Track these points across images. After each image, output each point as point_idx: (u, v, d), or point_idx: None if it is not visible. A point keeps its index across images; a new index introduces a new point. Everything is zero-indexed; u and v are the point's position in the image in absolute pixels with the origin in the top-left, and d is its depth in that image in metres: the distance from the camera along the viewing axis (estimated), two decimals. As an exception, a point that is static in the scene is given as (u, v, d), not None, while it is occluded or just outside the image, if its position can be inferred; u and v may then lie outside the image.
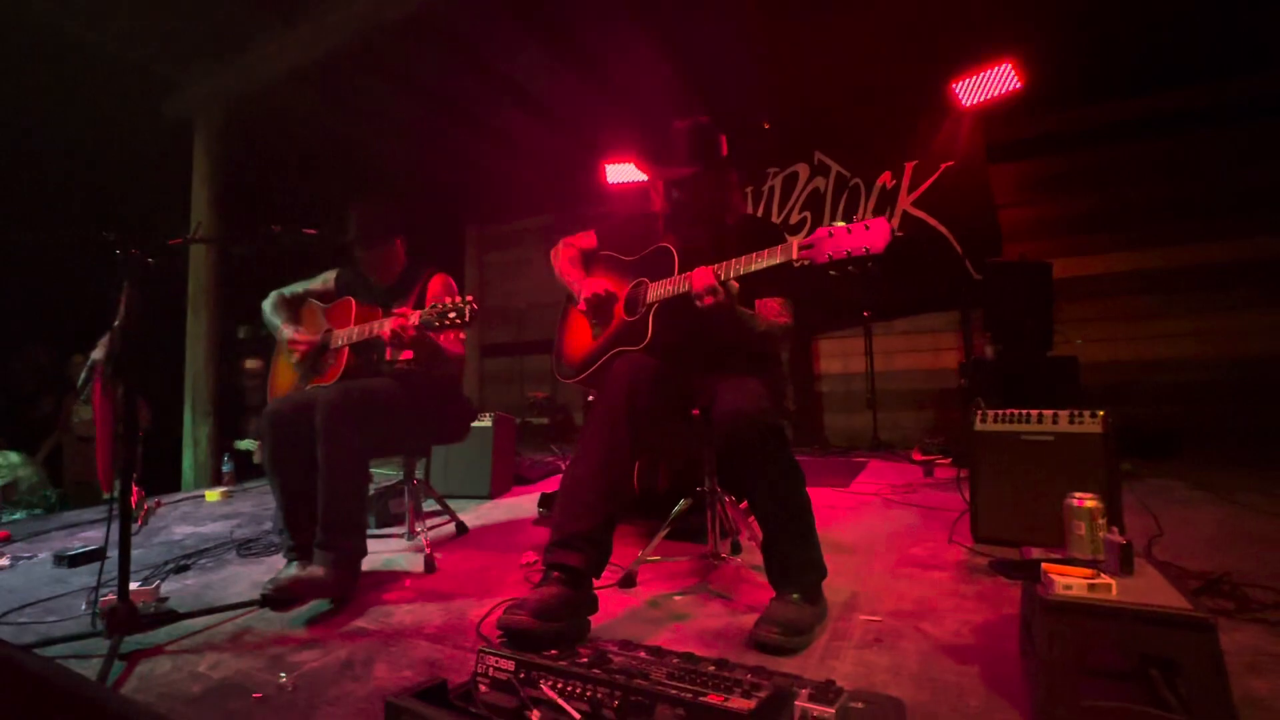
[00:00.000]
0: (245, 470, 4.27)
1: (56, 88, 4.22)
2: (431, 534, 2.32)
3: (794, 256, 1.52)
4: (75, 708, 0.47)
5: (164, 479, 4.17)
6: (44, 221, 4.87)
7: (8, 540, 2.75)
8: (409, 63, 4.36)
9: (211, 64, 4.32)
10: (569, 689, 1.06)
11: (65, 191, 4.77)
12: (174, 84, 4.51)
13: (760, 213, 5.13)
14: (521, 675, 1.11)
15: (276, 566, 2.20)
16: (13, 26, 3.73)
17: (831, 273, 1.49)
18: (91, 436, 4.59)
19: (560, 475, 3.69)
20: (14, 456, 3.63)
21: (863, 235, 1.42)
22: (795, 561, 1.57)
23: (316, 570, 1.73)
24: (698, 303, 1.58)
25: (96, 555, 2.41)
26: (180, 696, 1.33)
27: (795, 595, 1.51)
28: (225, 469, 4.11)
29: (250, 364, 5.09)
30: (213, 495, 3.66)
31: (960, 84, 4.20)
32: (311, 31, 3.97)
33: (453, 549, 2.40)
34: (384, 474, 3.55)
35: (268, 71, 4.24)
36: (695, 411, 1.76)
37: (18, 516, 3.42)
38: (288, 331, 2.17)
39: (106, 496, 1.58)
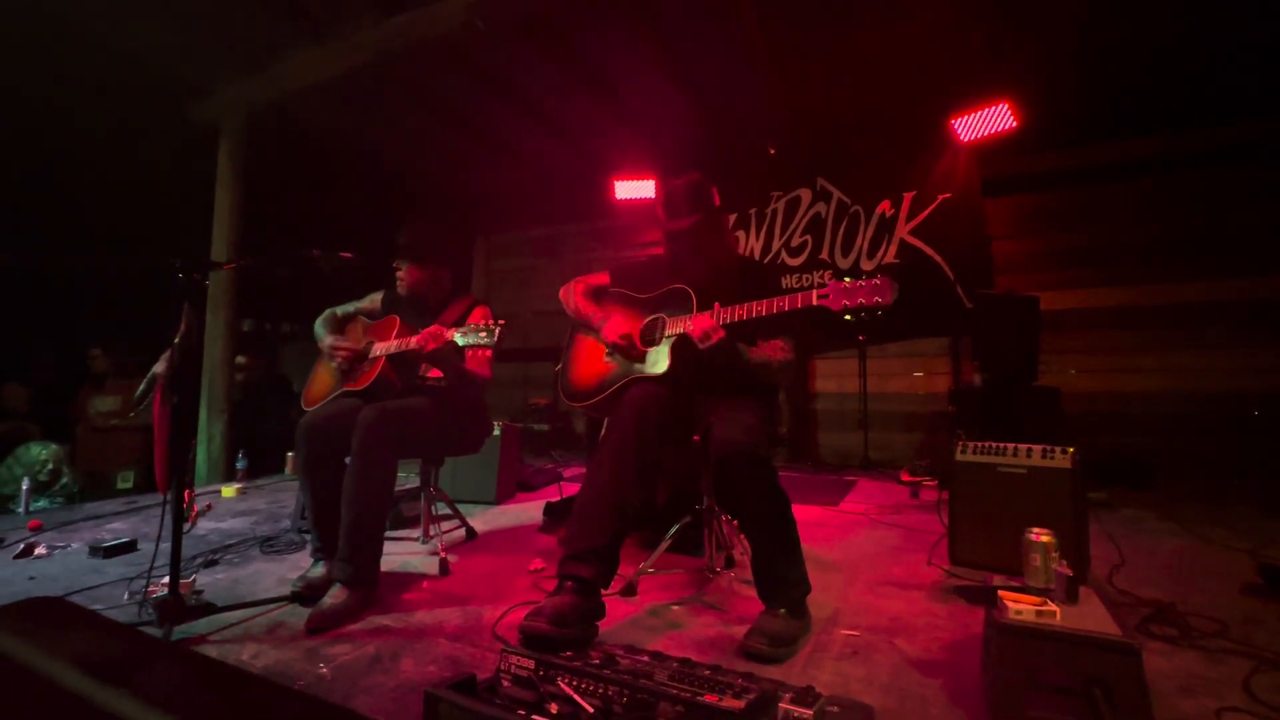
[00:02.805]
0: (256, 466, 4.43)
1: (84, 88, 4.36)
2: (444, 538, 2.47)
3: (813, 304, 1.75)
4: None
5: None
6: (66, 217, 5.03)
7: (40, 529, 2.90)
8: (429, 80, 4.52)
9: (240, 73, 4.48)
10: (583, 686, 1.22)
11: (90, 191, 4.93)
12: (202, 90, 4.66)
13: (763, 235, 5.31)
14: (541, 673, 1.27)
15: (299, 563, 2.38)
16: (42, 27, 3.88)
17: (846, 318, 1.71)
18: (107, 428, 4.76)
19: (561, 483, 3.88)
20: (55, 448, 3.77)
21: (874, 290, 1.68)
22: (781, 579, 1.73)
23: (337, 597, 1.84)
24: (702, 343, 1.77)
25: (128, 547, 2.57)
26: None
27: (782, 610, 1.68)
28: (239, 465, 4.26)
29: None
30: (228, 491, 3.81)
31: (959, 120, 4.39)
32: (339, 48, 4.13)
33: (464, 553, 2.56)
34: (398, 475, 3.70)
35: (294, 83, 4.39)
36: (696, 438, 1.93)
37: (41, 504, 3.56)
38: (329, 340, 2.33)
39: (162, 497, 1.73)
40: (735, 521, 2.11)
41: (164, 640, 0.76)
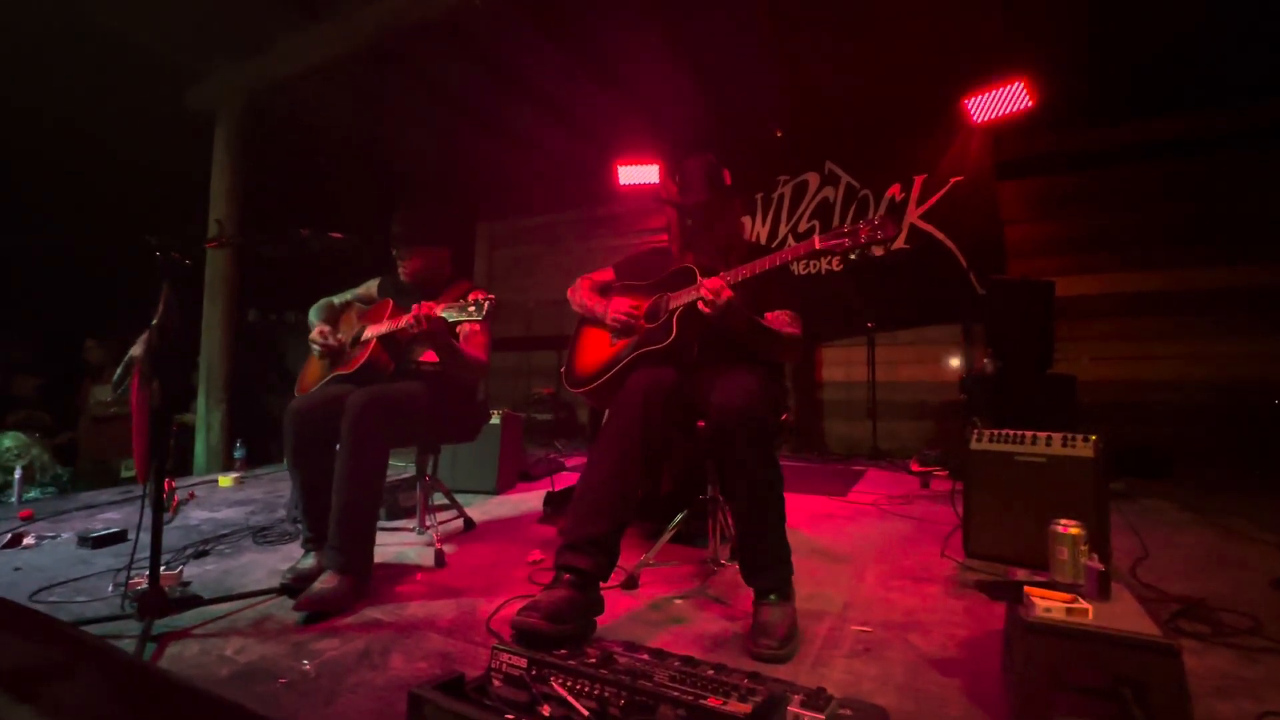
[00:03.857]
0: (257, 456, 4.38)
1: (79, 73, 4.28)
2: (440, 529, 2.40)
3: (816, 247, 1.75)
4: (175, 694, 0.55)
5: (176, 462, 4.27)
6: (62, 205, 4.97)
7: (30, 519, 2.84)
8: (428, 63, 4.42)
9: (236, 57, 4.39)
10: (578, 687, 1.14)
11: (85, 177, 4.85)
12: (198, 75, 4.57)
13: (770, 219, 5.20)
14: (534, 672, 1.19)
15: (292, 554, 2.31)
16: (37, 12, 3.79)
17: (852, 256, 1.72)
18: (106, 417, 4.73)
19: (563, 472, 3.81)
20: (22, 437, 3.73)
21: (874, 228, 1.68)
22: (766, 557, 1.66)
23: (328, 582, 1.77)
24: (711, 308, 1.70)
25: (118, 537, 2.51)
26: (210, 679, 1.42)
27: (773, 596, 1.61)
28: (237, 454, 4.21)
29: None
30: (225, 481, 3.75)
31: (972, 100, 4.25)
32: (335, 29, 4.03)
33: (461, 544, 2.49)
34: (395, 465, 3.64)
35: (290, 67, 4.30)
36: (700, 424, 1.85)
37: (33, 494, 3.52)
38: (315, 330, 2.30)
39: (142, 487, 1.66)
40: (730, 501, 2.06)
41: (106, 645, 0.69)
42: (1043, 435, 2.15)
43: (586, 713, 1.09)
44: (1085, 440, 2.07)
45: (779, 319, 1.87)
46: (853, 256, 1.76)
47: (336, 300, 2.46)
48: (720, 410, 1.62)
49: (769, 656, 1.47)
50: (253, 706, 1.07)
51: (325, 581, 1.77)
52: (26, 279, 4.93)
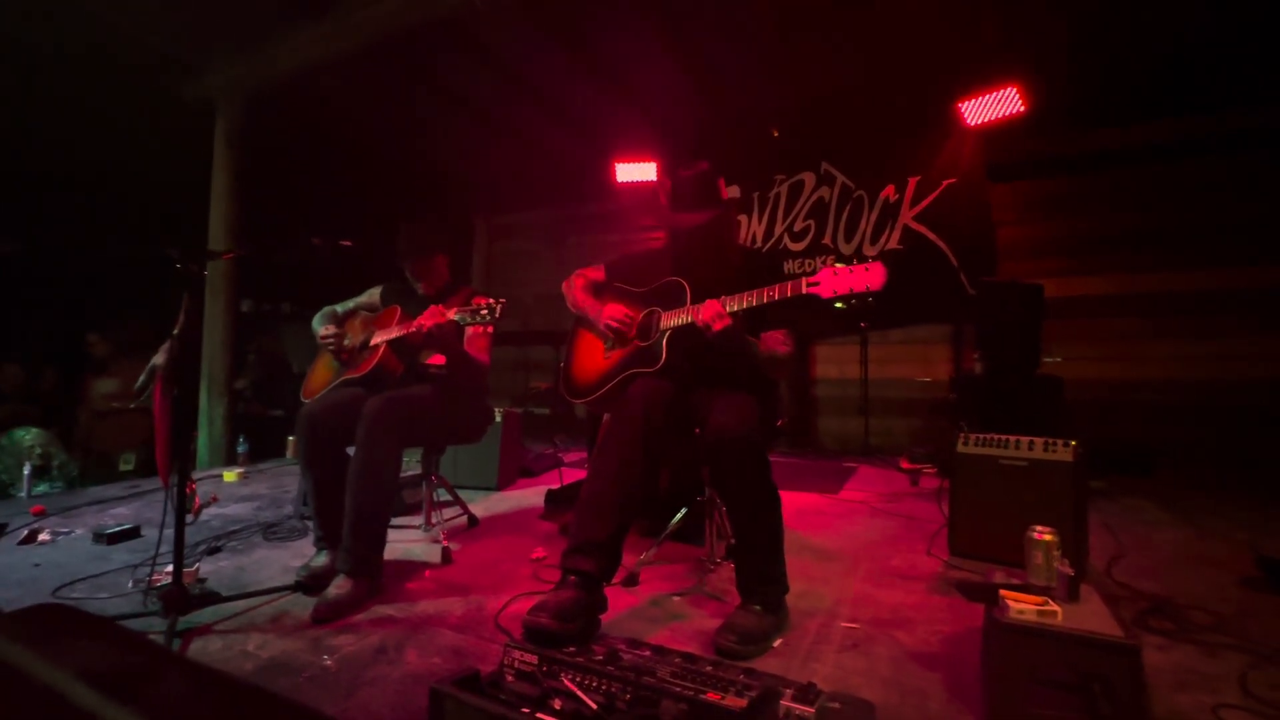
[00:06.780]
0: (260, 450, 4.44)
1: (76, 68, 4.29)
2: (445, 526, 2.48)
3: (802, 292, 1.70)
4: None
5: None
6: (60, 200, 4.98)
7: (43, 515, 2.91)
8: (429, 61, 4.45)
9: (235, 53, 4.40)
10: (587, 682, 1.23)
11: (81, 174, 4.87)
12: (196, 70, 4.58)
13: (765, 218, 5.26)
14: (545, 669, 1.28)
15: (302, 550, 2.39)
16: (37, 8, 3.80)
17: (837, 305, 1.67)
18: (108, 411, 4.78)
19: (563, 469, 3.89)
20: (40, 434, 3.78)
21: (863, 275, 1.62)
22: (760, 575, 1.73)
23: (341, 588, 1.84)
24: (706, 331, 1.75)
25: (131, 533, 2.58)
26: (235, 674, 1.50)
27: (757, 606, 1.69)
28: (240, 449, 4.27)
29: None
30: (230, 475, 3.81)
31: (966, 104, 4.32)
32: (336, 27, 4.05)
33: (466, 540, 2.57)
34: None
35: (290, 63, 4.31)
36: (698, 430, 1.93)
37: (42, 488, 3.57)
38: (321, 330, 2.37)
39: (164, 489, 1.73)
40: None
41: (174, 651, 0.76)
42: (1025, 439, 2.25)
43: (595, 706, 1.18)
44: (1065, 445, 2.17)
45: (774, 337, 1.89)
46: (839, 305, 1.72)
47: (339, 308, 2.52)
48: (716, 434, 1.66)
49: (727, 650, 1.54)
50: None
51: (339, 588, 1.84)
52: (21, 274, 4.95)
